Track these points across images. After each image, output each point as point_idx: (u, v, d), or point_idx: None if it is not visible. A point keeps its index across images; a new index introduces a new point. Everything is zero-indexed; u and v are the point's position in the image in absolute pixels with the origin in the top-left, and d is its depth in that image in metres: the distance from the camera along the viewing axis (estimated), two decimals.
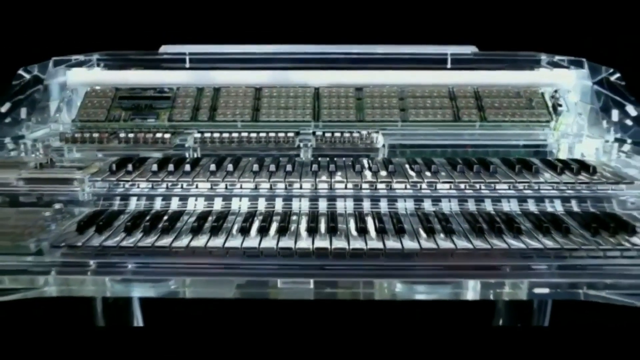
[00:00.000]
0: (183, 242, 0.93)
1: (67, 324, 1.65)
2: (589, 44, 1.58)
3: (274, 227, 0.99)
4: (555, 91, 1.36)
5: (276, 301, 0.96)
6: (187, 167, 1.11)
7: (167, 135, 1.24)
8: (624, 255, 0.94)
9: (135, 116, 1.32)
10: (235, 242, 0.94)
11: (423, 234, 0.97)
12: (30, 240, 0.94)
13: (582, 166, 1.14)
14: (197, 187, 1.09)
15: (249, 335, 1.69)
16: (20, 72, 1.35)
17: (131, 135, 1.25)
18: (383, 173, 1.12)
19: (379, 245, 0.93)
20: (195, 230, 0.97)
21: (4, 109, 1.32)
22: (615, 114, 1.31)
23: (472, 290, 0.93)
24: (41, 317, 1.67)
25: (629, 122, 1.29)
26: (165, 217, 1.01)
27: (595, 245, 0.94)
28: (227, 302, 1.56)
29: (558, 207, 1.09)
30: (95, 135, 1.25)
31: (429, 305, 1.68)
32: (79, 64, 1.41)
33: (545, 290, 0.94)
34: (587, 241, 0.96)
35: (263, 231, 0.96)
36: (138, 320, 1.68)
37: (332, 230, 0.97)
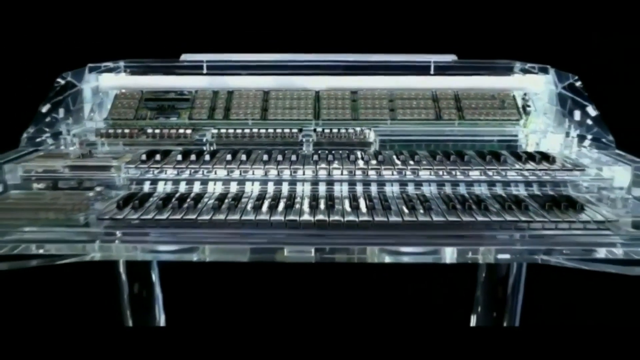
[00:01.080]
0: (206, 216, 1.12)
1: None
2: (558, 52, 1.77)
3: (281, 205, 1.16)
4: (525, 94, 1.55)
5: (283, 264, 1.13)
6: (207, 157, 1.29)
7: (188, 131, 1.42)
8: (572, 227, 1.12)
9: (160, 115, 1.49)
10: (249, 216, 1.12)
11: (406, 210, 1.14)
12: (80, 214, 1.13)
13: (544, 157, 1.32)
14: (215, 173, 1.26)
15: (260, 292, 1.91)
16: (59, 78, 1.53)
17: (157, 131, 1.43)
18: (373, 162, 1.29)
19: (369, 218, 1.10)
20: (216, 208, 1.14)
21: (44, 109, 1.49)
22: (577, 114, 1.50)
23: (448, 255, 1.11)
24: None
25: (589, 121, 1.48)
26: (189, 198, 1.20)
27: (548, 219, 1.13)
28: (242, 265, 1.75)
29: (522, 191, 1.26)
30: (126, 131, 1.43)
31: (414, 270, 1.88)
32: (109, 70, 1.59)
33: (507, 256, 1.13)
34: (543, 216, 1.15)
35: (272, 208, 1.14)
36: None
37: (330, 207, 1.14)
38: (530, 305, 1.76)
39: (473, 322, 1.85)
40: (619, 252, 1.09)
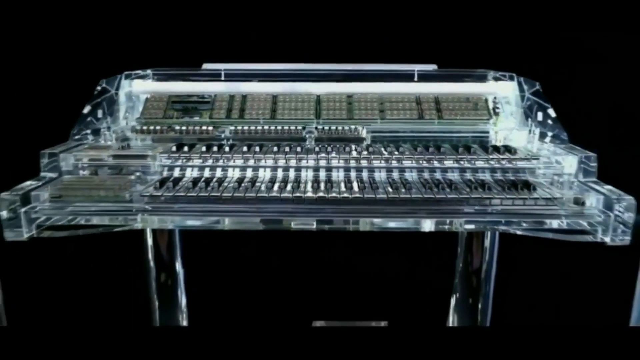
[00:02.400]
0: (228, 194, 1.36)
1: None
2: (527, 61, 2.01)
3: (289, 186, 1.38)
4: (495, 98, 1.79)
5: (289, 232, 1.37)
6: (227, 149, 1.53)
7: (209, 128, 1.64)
8: (526, 204, 1.35)
9: (184, 115, 1.70)
10: (263, 194, 1.36)
11: (390, 190, 1.38)
12: (125, 193, 1.38)
13: (507, 149, 1.57)
14: (234, 162, 1.47)
15: (269, 254, 2.22)
16: (99, 85, 1.73)
17: (183, 128, 1.65)
18: (365, 153, 1.51)
19: (360, 195, 1.33)
20: (236, 188, 1.38)
21: (86, 110, 1.73)
22: (539, 115, 1.75)
23: (426, 224, 1.34)
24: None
25: (549, 121, 1.72)
26: (213, 181, 1.44)
27: (507, 197, 1.37)
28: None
29: (487, 176, 1.49)
30: (157, 128, 1.66)
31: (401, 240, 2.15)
32: (140, 77, 1.84)
33: (472, 226, 1.37)
34: (503, 195, 1.39)
35: (281, 188, 1.36)
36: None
37: (329, 187, 1.38)
38: (504, 274, 2.00)
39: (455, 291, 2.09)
40: (563, 223, 1.35)
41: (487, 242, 1.89)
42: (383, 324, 2.10)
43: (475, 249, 1.91)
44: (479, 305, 2.00)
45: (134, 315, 2.14)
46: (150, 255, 1.95)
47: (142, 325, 2.05)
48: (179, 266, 2.03)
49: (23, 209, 1.29)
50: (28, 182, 1.38)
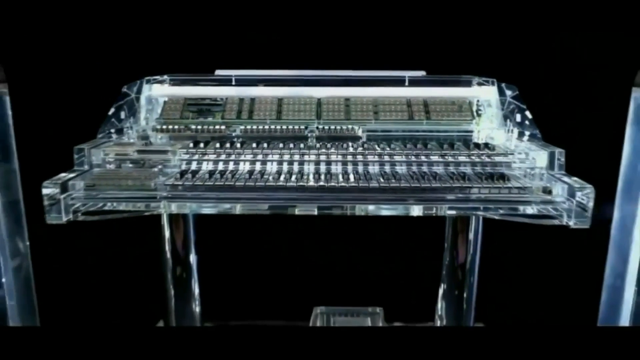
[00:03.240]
0: (240, 183, 1.56)
1: None
2: (511, 67, 2.19)
3: (293, 177, 1.55)
4: (478, 101, 1.98)
5: (294, 216, 1.55)
6: (238, 145, 1.73)
7: (222, 128, 1.82)
8: (500, 192, 1.54)
9: (199, 116, 1.86)
10: (271, 183, 1.56)
11: (382, 180, 1.56)
12: (150, 182, 1.57)
13: (487, 146, 1.76)
14: (244, 157, 1.65)
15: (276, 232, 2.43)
16: (122, 89, 1.91)
17: (198, 127, 1.83)
18: (360, 149, 1.71)
19: (356, 184, 1.52)
20: (247, 178, 1.58)
21: (111, 112, 1.90)
22: (518, 117, 1.95)
23: (414, 210, 1.52)
24: None
25: (526, 122, 1.91)
26: (227, 173, 1.63)
27: (485, 186, 1.56)
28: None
29: (468, 170, 1.68)
30: (176, 127, 1.84)
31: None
32: (159, 82, 2.03)
33: (454, 212, 1.57)
34: (480, 184, 1.58)
35: (287, 178, 1.54)
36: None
37: (329, 178, 1.57)
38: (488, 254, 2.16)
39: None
40: (533, 209, 1.54)
41: (471, 236, 2.07)
42: (378, 309, 2.29)
43: (460, 243, 2.08)
44: (464, 295, 2.18)
45: (151, 302, 2.32)
46: (167, 246, 2.12)
47: (158, 311, 2.23)
48: (192, 257, 2.21)
49: (62, 196, 1.48)
50: (63, 174, 1.57)
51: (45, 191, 1.46)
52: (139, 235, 2.23)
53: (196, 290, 2.21)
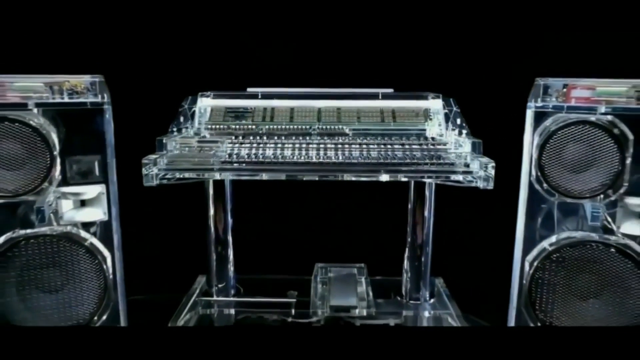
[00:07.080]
0: (267, 159, 2.38)
1: None
2: (449, 83, 2.99)
3: (302, 157, 2.41)
4: (429, 109, 2.80)
5: (301, 181, 2.37)
6: (264, 138, 2.56)
7: (252, 127, 2.61)
8: (438, 167, 2.38)
9: (236, 120, 2.65)
10: (287, 159, 2.37)
11: (361, 159, 2.40)
12: (210, 159, 2.38)
13: (433, 139, 2.59)
14: (268, 145, 2.39)
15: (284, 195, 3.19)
16: (183, 102, 2.74)
17: (235, 127, 2.67)
18: (347, 141, 2.55)
19: (343, 160, 2.36)
20: (271, 159, 2.40)
21: (177, 118, 2.76)
22: (457, 120, 2.78)
23: (383, 177, 2.34)
24: None
25: (462, 123, 2.75)
26: (257, 155, 2.45)
27: (428, 162, 2.38)
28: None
29: (418, 154, 2.50)
30: (219, 127, 2.66)
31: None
32: (206, 96, 2.86)
33: (405, 178, 2.38)
34: (425, 161, 2.39)
35: (297, 158, 2.38)
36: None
37: (325, 157, 2.41)
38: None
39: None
40: (458, 177, 2.36)
41: (427, 197, 2.87)
42: (363, 265, 3.08)
43: (418, 208, 2.85)
44: (425, 250, 2.93)
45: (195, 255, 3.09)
46: (211, 211, 2.83)
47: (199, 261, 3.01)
48: (229, 219, 2.82)
49: (155, 168, 2.31)
50: (152, 155, 2.39)
51: (144, 164, 2.28)
52: (189, 206, 3.01)
53: (230, 246, 2.94)
